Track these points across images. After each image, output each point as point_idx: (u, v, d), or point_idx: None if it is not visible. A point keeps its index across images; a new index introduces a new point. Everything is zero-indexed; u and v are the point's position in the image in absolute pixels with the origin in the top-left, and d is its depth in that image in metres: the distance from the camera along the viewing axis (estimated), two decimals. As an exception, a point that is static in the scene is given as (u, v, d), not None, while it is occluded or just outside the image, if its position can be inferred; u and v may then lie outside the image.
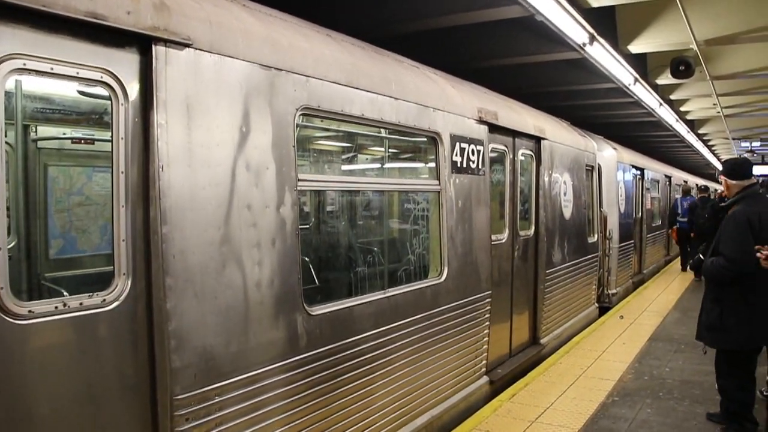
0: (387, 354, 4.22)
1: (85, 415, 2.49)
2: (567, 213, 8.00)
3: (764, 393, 5.45)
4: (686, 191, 15.16)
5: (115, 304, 2.57)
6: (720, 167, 19.05)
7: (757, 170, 20.40)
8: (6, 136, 3.18)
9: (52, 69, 2.41)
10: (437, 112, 4.87)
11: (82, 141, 4.74)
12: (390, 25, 7.31)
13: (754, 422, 4.79)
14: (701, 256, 5.13)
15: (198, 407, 2.82)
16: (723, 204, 5.22)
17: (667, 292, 11.91)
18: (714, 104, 13.97)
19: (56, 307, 2.39)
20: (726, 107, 14.34)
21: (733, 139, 21.58)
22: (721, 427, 4.91)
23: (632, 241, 12.15)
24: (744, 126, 18.63)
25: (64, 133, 4.66)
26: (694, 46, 8.46)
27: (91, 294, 2.51)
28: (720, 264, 4.62)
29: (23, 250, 4.18)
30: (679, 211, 13.90)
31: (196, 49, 2.88)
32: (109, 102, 2.62)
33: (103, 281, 2.64)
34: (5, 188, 2.33)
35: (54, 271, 4.53)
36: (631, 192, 12.17)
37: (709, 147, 25.11)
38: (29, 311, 2.30)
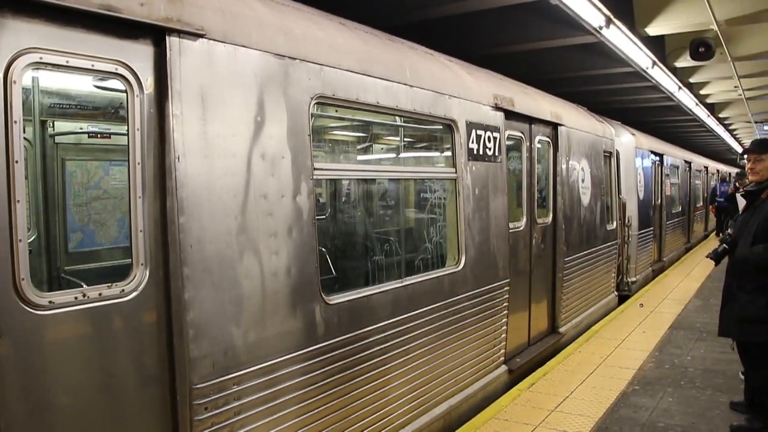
0: (405, 343, 4.21)
1: (105, 405, 2.52)
2: (585, 200, 7.91)
3: None
4: (723, 178, 20.49)
5: (134, 294, 2.59)
6: (741, 150, 18.92)
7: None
8: (24, 131, 3.22)
9: (67, 62, 2.42)
10: (453, 99, 4.83)
11: (99, 135, 4.79)
12: (403, 12, 7.26)
13: None
14: (726, 245, 4.72)
15: (216, 396, 2.84)
16: (751, 188, 4.74)
17: (687, 280, 11.76)
18: (735, 87, 13.68)
19: (76, 298, 2.41)
20: (748, 89, 14.04)
21: (756, 122, 21.16)
22: (745, 417, 4.79)
23: (652, 228, 12.00)
24: (767, 109, 18.24)
25: (81, 128, 4.71)
26: (715, 27, 8.26)
27: (110, 284, 2.53)
28: None
29: (43, 244, 4.23)
30: (718, 193, 18.03)
31: (209, 39, 2.87)
32: (125, 94, 2.63)
33: (121, 274, 2.66)
34: (24, 183, 2.34)
35: (73, 263, 4.59)
36: (650, 178, 12.00)
37: (731, 131, 24.65)
38: (49, 302, 2.32)
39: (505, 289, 5.65)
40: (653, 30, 8.49)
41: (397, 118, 4.87)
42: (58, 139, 4.52)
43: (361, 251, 5.98)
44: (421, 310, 4.40)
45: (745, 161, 4.88)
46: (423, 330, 4.42)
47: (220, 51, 2.93)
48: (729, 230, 4.86)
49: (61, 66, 2.41)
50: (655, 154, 12.68)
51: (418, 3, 7.09)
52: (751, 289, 4.51)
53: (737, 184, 14.63)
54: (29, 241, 2.41)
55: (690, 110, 15.42)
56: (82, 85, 4.13)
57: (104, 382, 2.51)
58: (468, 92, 5.11)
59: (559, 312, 7.22)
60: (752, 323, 4.51)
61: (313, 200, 3.43)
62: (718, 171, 23.90)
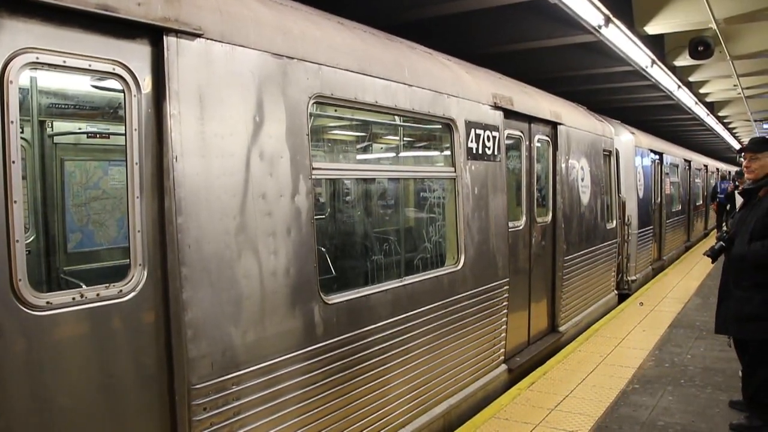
0: (404, 342, 4.21)
1: (104, 405, 2.51)
2: (585, 199, 7.91)
3: None
4: (723, 177, 20.98)
5: (132, 294, 2.59)
6: (739, 148, 18.99)
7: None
8: (23, 132, 3.22)
9: (64, 62, 2.41)
10: (451, 98, 4.82)
11: (98, 135, 4.78)
12: (402, 11, 7.25)
13: None
14: (723, 243, 4.72)
15: (215, 396, 2.84)
16: (749, 186, 4.75)
17: (687, 278, 11.76)
18: (735, 85, 13.68)
19: (73, 298, 2.40)
20: (747, 88, 14.04)
21: (755, 121, 21.17)
22: (744, 416, 4.78)
23: (651, 226, 12.00)
24: (766, 107, 18.24)
25: (80, 128, 4.70)
26: (713, 25, 8.26)
27: (107, 285, 2.53)
28: None
29: (42, 244, 4.22)
30: (719, 190, 18.47)
31: (207, 39, 2.87)
32: (122, 94, 2.62)
33: (121, 274, 2.66)
34: (22, 184, 2.33)
35: (72, 264, 4.58)
36: (649, 177, 12.00)
37: (730, 130, 24.65)
38: (47, 302, 2.32)
39: (505, 288, 5.65)
40: (652, 29, 8.49)
41: (395, 117, 4.86)
42: (56, 139, 4.51)
43: (360, 251, 5.98)
44: (421, 309, 4.39)
45: (742, 160, 4.88)
46: (422, 329, 4.41)
47: (218, 51, 2.93)
48: (725, 227, 4.86)
49: (59, 66, 2.41)
50: (655, 152, 12.67)
51: (416, 2, 7.08)
52: (748, 287, 4.51)
53: (737, 182, 14.67)
54: (27, 241, 2.40)
55: (689, 109, 15.41)
56: (80, 85, 4.13)
57: (103, 382, 2.50)
58: (467, 91, 5.10)
59: (558, 311, 7.21)
60: (749, 321, 4.51)
61: (312, 200, 3.43)
62: (717, 169, 24.01)
